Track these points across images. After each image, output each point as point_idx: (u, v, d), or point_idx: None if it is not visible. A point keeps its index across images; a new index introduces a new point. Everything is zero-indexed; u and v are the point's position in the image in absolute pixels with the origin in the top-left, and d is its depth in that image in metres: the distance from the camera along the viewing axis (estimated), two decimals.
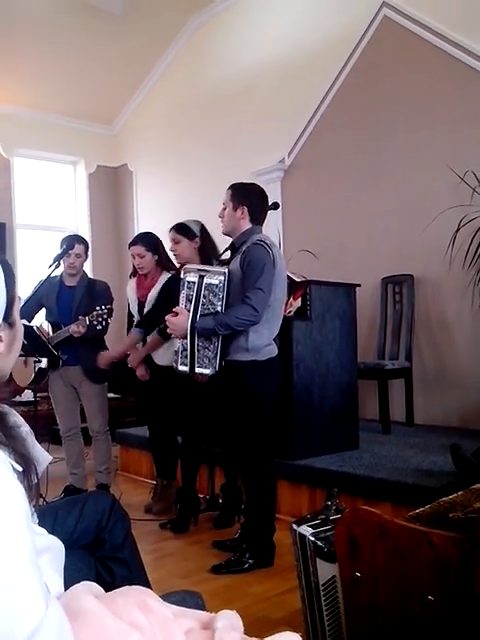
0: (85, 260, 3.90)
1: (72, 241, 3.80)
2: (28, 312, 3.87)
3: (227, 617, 1.04)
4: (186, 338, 2.83)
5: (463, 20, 4.49)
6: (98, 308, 3.52)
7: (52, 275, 3.80)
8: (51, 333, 3.78)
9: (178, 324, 2.83)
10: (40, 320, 3.95)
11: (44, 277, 3.75)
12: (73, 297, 3.84)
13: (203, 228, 3.46)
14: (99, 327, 3.54)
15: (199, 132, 6.63)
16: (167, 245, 3.62)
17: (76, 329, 3.57)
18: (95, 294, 3.81)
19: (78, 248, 3.82)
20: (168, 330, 2.93)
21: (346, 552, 1.64)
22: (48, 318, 3.87)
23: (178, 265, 3.54)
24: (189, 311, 2.81)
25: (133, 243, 3.73)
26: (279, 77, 5.79)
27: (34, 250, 7.15)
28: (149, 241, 3.71)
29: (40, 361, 3.82)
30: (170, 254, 3.63)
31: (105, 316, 3.52)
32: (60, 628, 0.83)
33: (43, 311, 3.94)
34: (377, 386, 4.44)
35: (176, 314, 2.85)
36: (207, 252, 3.39)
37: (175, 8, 6.34)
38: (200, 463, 3.56)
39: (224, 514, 3.52)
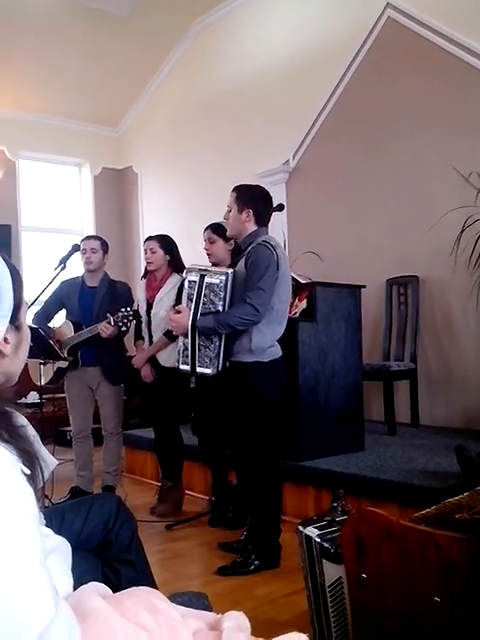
0: (104, 257, 3.92)
1: (81, 242, 3.88)
2: (49, 312, 3.93)
3: (234, 618, 1.04)
4: (187, 337, 2.87)
5: (467, 21, 4.49)
6: (123, 310, 3.52)
7: (72, 276, 3.89)
8: (72, 333, 3.79)
9: (180, 321, 2.89)
10: (52, 322, 3.98)
11: (64, 278, 3.85)
12: (94, 297, 3.86)
13: None
14: (123, 328, 3.57)
15: (204, 134, 6.65)
16: (192, 247, 3.61)
17: (105, 328, 3.55)
18: (116, 295, 3.84)
19: (93, 243, 3.87)
20: (170, 327, 2.99)
21: (352, 553, 1.64)
22: (69, 318, 3.90)
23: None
24: (190, 310, 2.86)
25: (149, 239, 3.79)
26: (284, 79, 5.80)
27: (39, 252, 7.17)
28: (165, 240, 3.76)
29: (46, 363, 3.83)
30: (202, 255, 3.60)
31: (130, 317, 3.55)
32: (69, 630, 0.84)
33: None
34: (382, 387, 4.44)
35: (178, 312, 2.92)
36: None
37: (179, 11, 6.36)
38: (225, 454, 3.52)
39: (236, 514, 3.46)
